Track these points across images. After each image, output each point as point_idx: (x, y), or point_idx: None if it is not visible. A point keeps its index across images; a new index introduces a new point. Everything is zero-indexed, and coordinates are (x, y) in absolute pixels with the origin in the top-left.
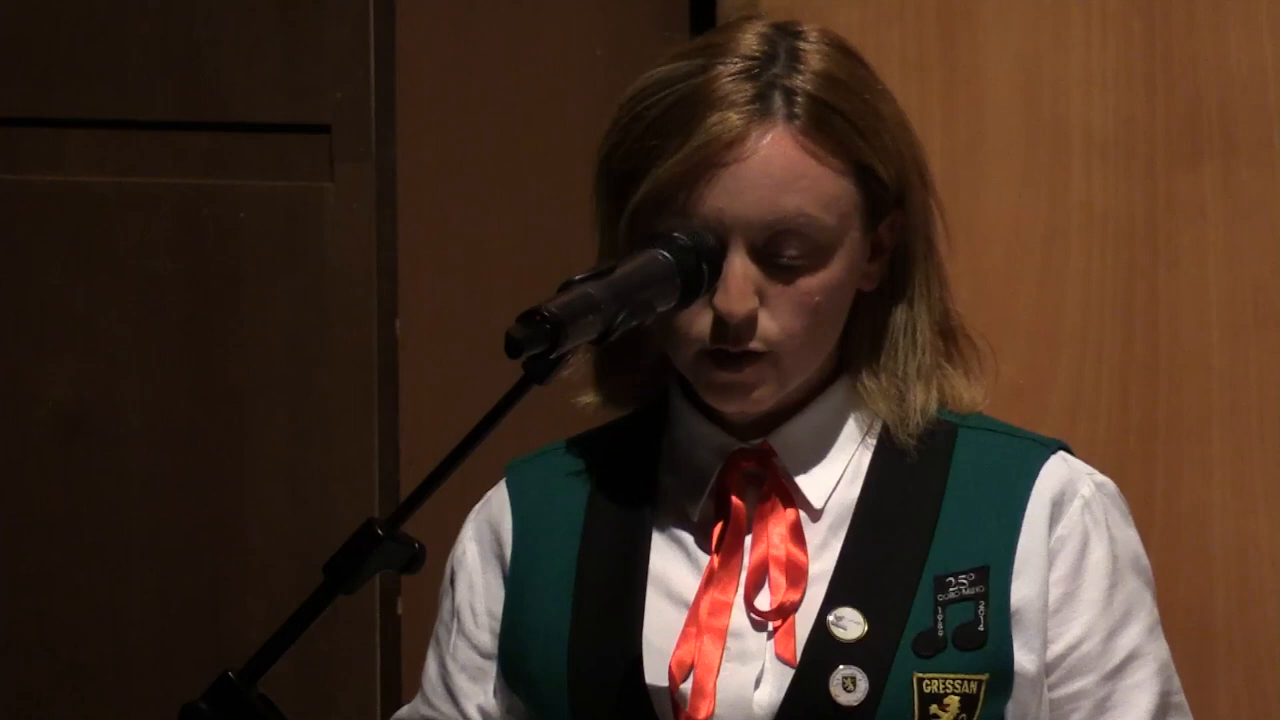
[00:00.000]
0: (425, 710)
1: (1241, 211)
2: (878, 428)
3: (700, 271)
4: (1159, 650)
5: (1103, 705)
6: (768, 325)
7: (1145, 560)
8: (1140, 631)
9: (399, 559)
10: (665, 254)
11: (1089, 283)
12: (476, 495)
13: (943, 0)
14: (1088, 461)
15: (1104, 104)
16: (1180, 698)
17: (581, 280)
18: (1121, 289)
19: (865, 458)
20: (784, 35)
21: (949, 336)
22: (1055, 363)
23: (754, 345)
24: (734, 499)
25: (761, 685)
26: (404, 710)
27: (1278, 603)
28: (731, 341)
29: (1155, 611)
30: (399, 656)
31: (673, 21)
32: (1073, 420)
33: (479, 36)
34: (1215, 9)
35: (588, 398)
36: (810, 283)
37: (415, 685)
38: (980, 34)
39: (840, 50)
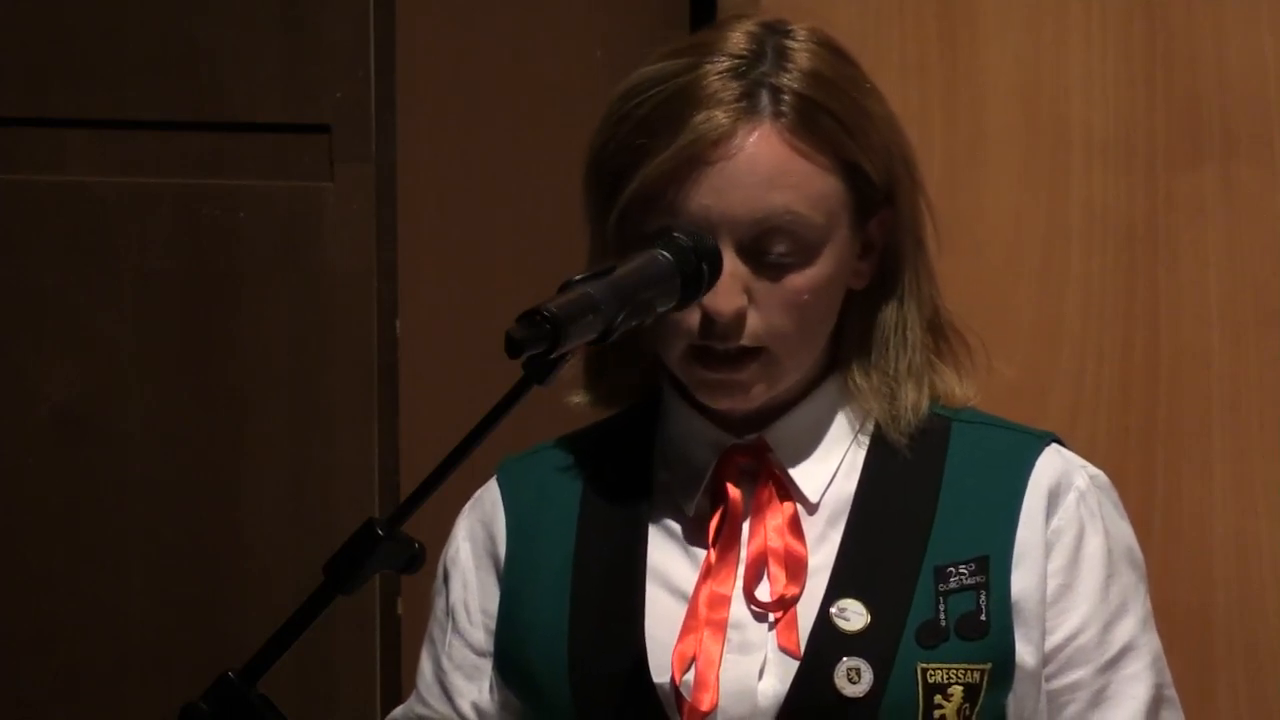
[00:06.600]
0: (420, 709)
1: (1241, 211)
2: (871, 423)
3: (700, 272)
4: (1152, 643)
5: (1099, 696)
6: (756, 323)
7: (1139, 553)
8: (1135, 623)
9: (399, 559)
10: (665, 254)
11: (1089, 283)
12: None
13: (943, 0)
14: (1088, 461)
15: (1104, 104)
16: (1172, 691)
17: (582, 280)
18: (1121, 289)
19: (860, 453)
20: (772, 34)
21: (939, 333)
22: (1055, 363)
23: (742, 342)
24: (730, 491)
25: (765, 676)
26: (398, 711)
27: (1278, 603)
28: (718, 339)
29: (1149, 604)
30: (399, 656)
31: (672, 22)
32: (1073, 420)
33: (479, 36)
34: (1215, 9)
35: (578, 397)
36: (798, 280)
37: (414, 685)
38: (980, 34)
39: (828, 48)
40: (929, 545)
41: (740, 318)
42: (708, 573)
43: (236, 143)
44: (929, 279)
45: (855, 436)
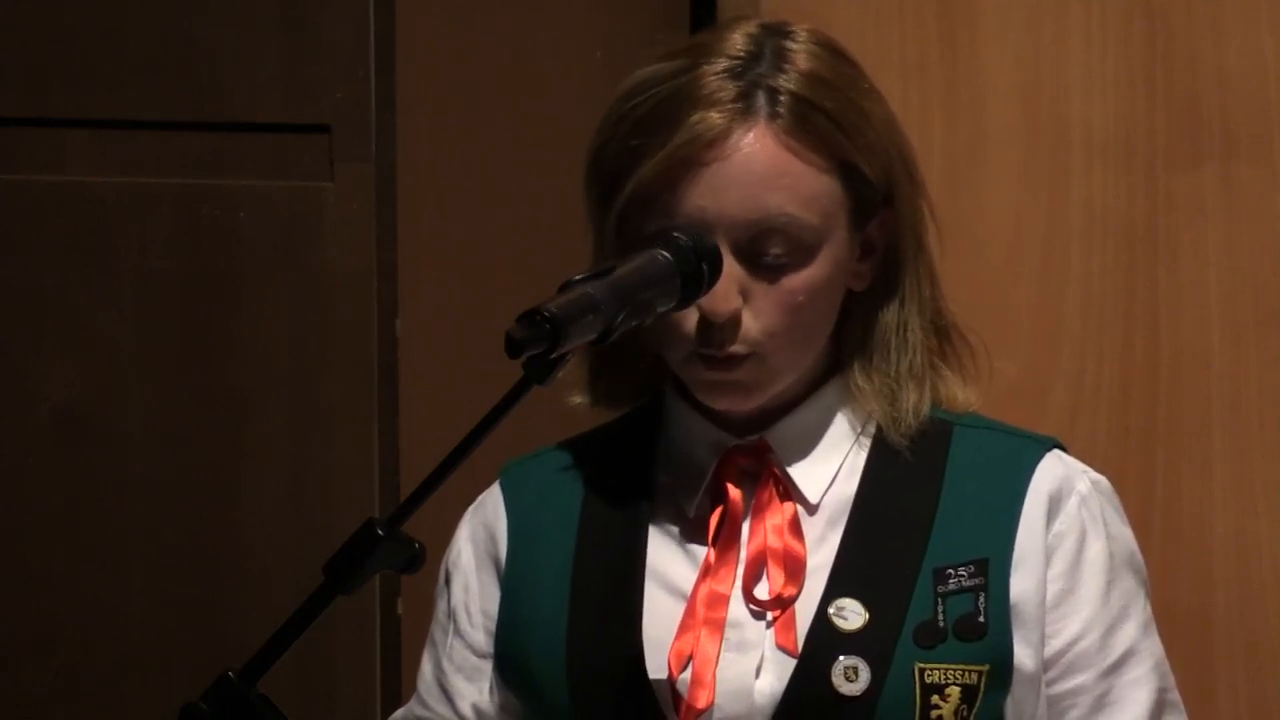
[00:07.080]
0: (420, 711)
1: (1241, 211)
2: (873, 425)
3: (700, 272)
4: (1154, 647)
5: (1101, 701)
6: (750, 326)
7: (1140, 558)
8: (1136, 628)
9: (399, 559)
10: (665, 254)
11: (1089, 283)
12: (477, 495)
13: (943, 0)
14: (1088, 461)
15: (1104, 104)
16: (1175, 695)
17: (582, 280)
18: (1121, 289)
19: (861, 455)
20: (771, 35)
21: (943, 336)
22: (1055, 363)
23: (736, 349)
24: (730, 491)
25: (762, 675)
26: (399, 713)
27: (1278, 603)
28: (715, 346)
29: (1149, 609)
30: (399, 656)
31: (673, 23)
32: (1073, 420)
33: (479, 36)
34: (1215, 9)
35: (578, 398)
36: (794, 281)
37: (415, 685)
38: (980, 34)
39: (828, 50)
40: (928, 547)
41: (735, 319)
42: (707, 571)
43: (236, 143)
44: (930, 281)
45: (856, 438)
